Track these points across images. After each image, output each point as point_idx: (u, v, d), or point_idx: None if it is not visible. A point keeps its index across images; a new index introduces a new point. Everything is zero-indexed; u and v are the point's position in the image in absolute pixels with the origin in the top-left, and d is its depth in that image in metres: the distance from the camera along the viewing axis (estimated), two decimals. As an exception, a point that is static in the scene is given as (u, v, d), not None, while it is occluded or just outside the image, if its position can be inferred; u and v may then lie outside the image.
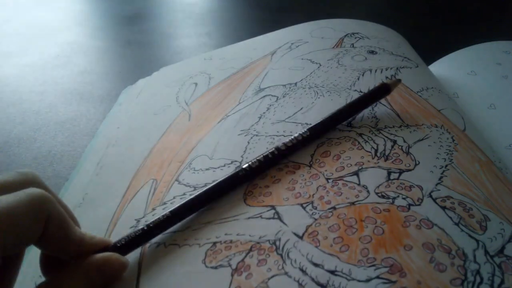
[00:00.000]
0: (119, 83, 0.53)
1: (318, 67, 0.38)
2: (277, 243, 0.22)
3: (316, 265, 0.20)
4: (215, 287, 0.20)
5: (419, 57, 0.41)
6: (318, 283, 0.19)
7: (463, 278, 0.19)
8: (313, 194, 0.25)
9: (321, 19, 0.47)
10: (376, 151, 0.27)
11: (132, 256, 0.23)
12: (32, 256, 0.25)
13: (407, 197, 0.23)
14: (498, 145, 0.33)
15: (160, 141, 0.34)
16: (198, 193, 0.25)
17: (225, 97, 0.38)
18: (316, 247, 0.21)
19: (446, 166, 0.26)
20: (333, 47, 0.42)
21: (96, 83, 0.54)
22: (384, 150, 0.27)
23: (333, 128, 0.30)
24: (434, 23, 0.70)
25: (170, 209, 0.24)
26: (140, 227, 0.23)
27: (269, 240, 0.22)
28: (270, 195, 0.25)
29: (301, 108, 0.33)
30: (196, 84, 0.41)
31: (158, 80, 0.45)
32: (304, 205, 0.24)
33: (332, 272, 0.20)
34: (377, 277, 0.19)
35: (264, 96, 0.36)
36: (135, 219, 0.27)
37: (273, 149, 0.27)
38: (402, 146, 0.28)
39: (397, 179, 0.25)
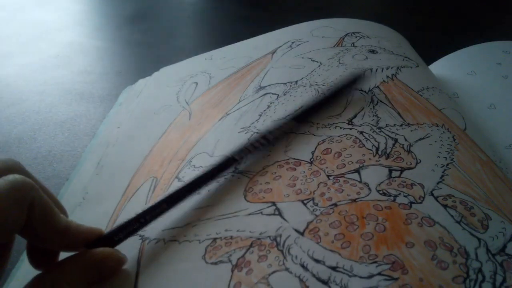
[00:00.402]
0: (119, 83, 0.53)
1: (319, 66, 0.38)
2: (278, 239, 0.22)
3: (317, 261, 0.20)
4: (215, 283, 0.20)
5: (419, 57, 0.41)
6: (319, 279, 0.19)
7: (465, 276, 0.19)
8: (314, 191, 0.24)
9: (321, 19, 0.47)
10: (377, 149, 0.27)
11: (131, 253, 0.23)
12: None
13: (409, 195, 0.23)
14: (498, 145, 0.33)
15: (161, 140, 0.34)
16: (188, 180, 0.25)
17: (225, 96, 0.37)
18: (317, 243, 0.21)
19: (447, 165, 0.26)
20: (334, 46, 0.42)
21: (96, 83, 0.54)
22: (385, 148, 0.27)
23: (316, 114, 0.31)
24: (434, 23, 0.70)
25: (160, 197, 0.24)
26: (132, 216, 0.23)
27: (269, 236, 0.22)
28: (270, 191, 0.25)
29: (302, 106, 0.33)
30: (196, 83, 0.41)
31: (158, 80, 0.45)
32: (305, 202, 0.24)
33: (334, 268, 0.20)
34: (379, 273, 0.19)
35: (264, 94, 0.36)
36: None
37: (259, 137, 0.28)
38: (403, 145, 0.28)
39: (399, 177, 0.25)
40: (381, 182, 0.24)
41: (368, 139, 0.28)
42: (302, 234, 0.22)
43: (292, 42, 0.44)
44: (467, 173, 0.26)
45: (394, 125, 0.30)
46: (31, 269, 0.22)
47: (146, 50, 0.64)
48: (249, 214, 0.24)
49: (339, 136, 0.29)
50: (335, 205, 0.23)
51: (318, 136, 0.29)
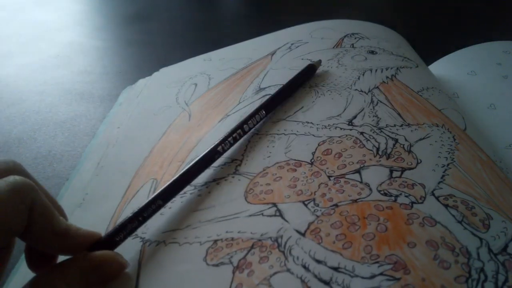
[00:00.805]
0: (119, 83, 0.53)
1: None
2: (279, 240, 0.22)
3: (318, 261, 0.20)
4: (217, 285, 0.20)
5: (419, 57, 0.41)
6: (321, 280, 0.19)
7: (467, 275, 0.19)
8: (315, 192, 0.24)
9: (321, 20, 0.47)
10: (377, 149, 0.27)
11: (132, 255, 0.23)
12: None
13: (410, 195, 0.23)
14: (498, 145, 0.33)
15: (160, 141, 0.34)
16: (180, 172, 0.26)
17: (225, 97, 0.37)
18: (319, 244, 0.21)
19: (448, 165, 0.26)
20: (333, 47, 0.42)
21: (96, 83, 0.54)
22: (386, 148, 0.27)
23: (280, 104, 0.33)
24: (434, 23, 0.70)
25: (154, 194, 0.24)
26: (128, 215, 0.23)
27: (270, 238, 0.22)
28: (271, 192, 0.25)
29: (302, 107, 0.33)
30: (196, 84, 0.41)
31: (158, 80, 0.45)
32: (306, 203, 0.24)
33: (335, 269, 0.20)
34: (381, 274, 0.19)
35: (264, 96, 0.36)
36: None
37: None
38: (403, 145, 0.28)
39: (399, 177, 0.25)
40: (382, 183, 0.25)
41: (368, 140, 0.28)
42: (303, 235, 0.22)
43: (292, 44, 0.44)
44: (468, 173, 0.26)
45: (394, 125, 0.30)
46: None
47: (146, 50, 0.64)
48: (250, 216, 0.24)
49: (339, 137, 0.29)
50: (336, 205, 0.23)
51: (318, 137, 0.29)
